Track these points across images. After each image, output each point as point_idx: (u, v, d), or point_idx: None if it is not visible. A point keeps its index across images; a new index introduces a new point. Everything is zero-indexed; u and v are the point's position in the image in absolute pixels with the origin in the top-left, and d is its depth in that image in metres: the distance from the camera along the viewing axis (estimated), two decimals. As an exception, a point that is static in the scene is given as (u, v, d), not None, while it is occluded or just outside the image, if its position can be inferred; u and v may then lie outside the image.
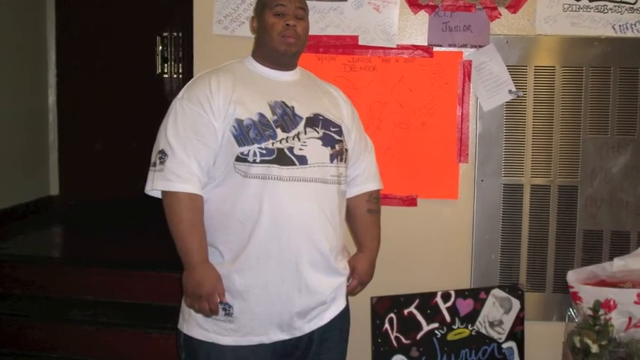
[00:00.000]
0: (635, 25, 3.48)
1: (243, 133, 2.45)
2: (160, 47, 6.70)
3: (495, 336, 3.44)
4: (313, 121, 2.59)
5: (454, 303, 3.40)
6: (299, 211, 2.47)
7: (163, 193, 2.46)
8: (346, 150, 2.70)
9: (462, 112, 3.58)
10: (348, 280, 2.76)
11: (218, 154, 2.48)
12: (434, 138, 3.60)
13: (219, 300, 2.47)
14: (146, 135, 3.00)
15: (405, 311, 3.35)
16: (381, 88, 3.60)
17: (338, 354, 2.76)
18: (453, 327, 3.40)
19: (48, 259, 4.79)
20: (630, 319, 3.35)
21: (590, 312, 3.32)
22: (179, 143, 2.44)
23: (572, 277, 3.47)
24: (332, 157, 2.58)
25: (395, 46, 3.57)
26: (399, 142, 3.60)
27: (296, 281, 2.51)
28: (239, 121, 2.46)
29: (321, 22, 3.57)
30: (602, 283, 3.43)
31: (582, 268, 3.51)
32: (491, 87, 3.53)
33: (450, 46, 3.55)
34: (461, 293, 3.43)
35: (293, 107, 2.58)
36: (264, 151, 2.44)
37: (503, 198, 3.59)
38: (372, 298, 3.30)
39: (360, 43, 3.58)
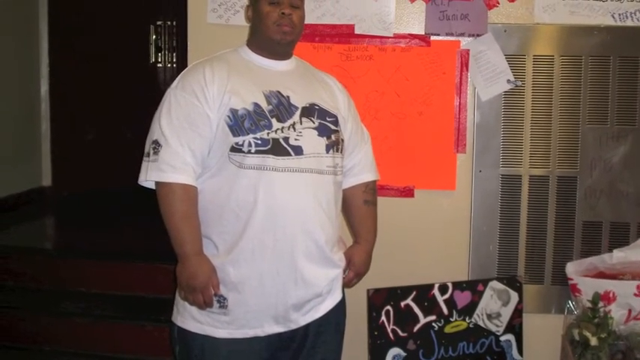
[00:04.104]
0: (634, 13, 3.48)
1: (237, 123, 2.45)
2: (154, 36, 6.69)
3: (493, 329, 3.44)
4: (309, 111, 2.59)
5: (451, 295, 3.40)
6: (294, 201, 2.47)
7: (157, 183, 2.46)
8: (342, 140, 2.69)
9: (459, 102, 3.57)
10: (345, 271, 2.76)
11: (212, 144, 2.48)
12: (431, 128, 3.59)
13: (213, 292, 2.47)
14: (140, 125, 3.00)
15: (402, 303, 3.35)
16: (378, 78, 3.59)
17: (334, 347, 2.77)
18: (451, 319, 3.40)
19: (40, 250, 4.79)
20: (630, 311, 3.36)
21: (589, 304, 3.33)
22: (173, 133, 2.44)
23: (571, 269, 3.47)
24: (328, 148, 2.58)
25: (392, 35, 3.56)
26: (396, 132, 3.60)
27: (291, 273, 2.51)
28: (234, 111, 2.46)
29: (317, 11, 3.56)
30: (602, 275, 3.43)
31: (581, 260, 3.51)
32: (489, 76, 3.53)
33: (447, 35, 3.55)
34: (458, 285, 3.43)
35: (288, 97, 2.57)
36: (259, 142, 2.44)
37: (501, 189, 3.59)
38: (368, 290, 3.29)
39: (357, 31, 3.57)
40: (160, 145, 2.44)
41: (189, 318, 2.55)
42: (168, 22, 6.70)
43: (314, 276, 2.56)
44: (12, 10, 5.79)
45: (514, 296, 3.46)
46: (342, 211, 2.82)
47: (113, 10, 6.18)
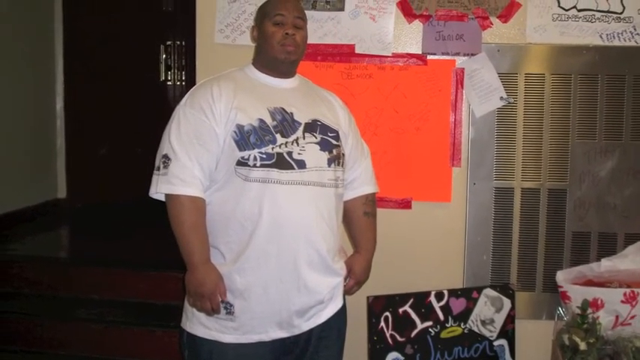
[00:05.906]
0: (621, 34, 3.48)
1: (243, 138, 2.45)
2: (164, 55, 6.70)
3: (487, 334, 3.43)
4: (311, 127, 2.59)
5: (447, 302, 3.40)
6: (298, 213, 2.47)
7: (167, 196, 2.46)
8: (343, 154, 2.70)
9: (454, 118, 3.58)
10: (345, 280, 2.76)
11: (219, 158, 2.48)
12: (428, 143, 3.60)
13: (220, 299, 2.47)
14: (150, 140, 3.01)
15: (400, 310, 3.34)
16: (377, 95, 3.60)
17: (335, 352, 2.76)
18: (447, 325, 3.40)
19: (55, 259, 4.79)
20: (617, 317, 3.35)
21: (578, 311, 3.32)
22: (182, 148, 2.45)
23: (561, 277, 3.46)
24: (329, 162, 2.58)
25: (390, 55, 3.57)
26: (394, 147, 3.60)
27: (295, 281, 2.51)
28: (240, 127, 2.46)
29: (319, 31, 3.57)
30: (590, 283, 3.42)
31: (571, 269, 3.50)
32: (483, 94, 3.53)
33: (443, 54, 3.56)
34: (454, 293, 3.42)
35: (292, 113, 2.58)
36: (264, 156, 2.44)
37: (494, 201, 3.59)
38: (368, 298, 3.29)
39: (357, 51, 3.58)
40: (169, 159, 2.45)
41: (198, 324, 2.55)
42: (178, 42, 6.71)
43: (316, 284, 2.56)
44: (29, 31, 5.81)
45: (507, 303, 3.46)
46: (343, 221, 2.82)
47: (125, 31, 6.19)
